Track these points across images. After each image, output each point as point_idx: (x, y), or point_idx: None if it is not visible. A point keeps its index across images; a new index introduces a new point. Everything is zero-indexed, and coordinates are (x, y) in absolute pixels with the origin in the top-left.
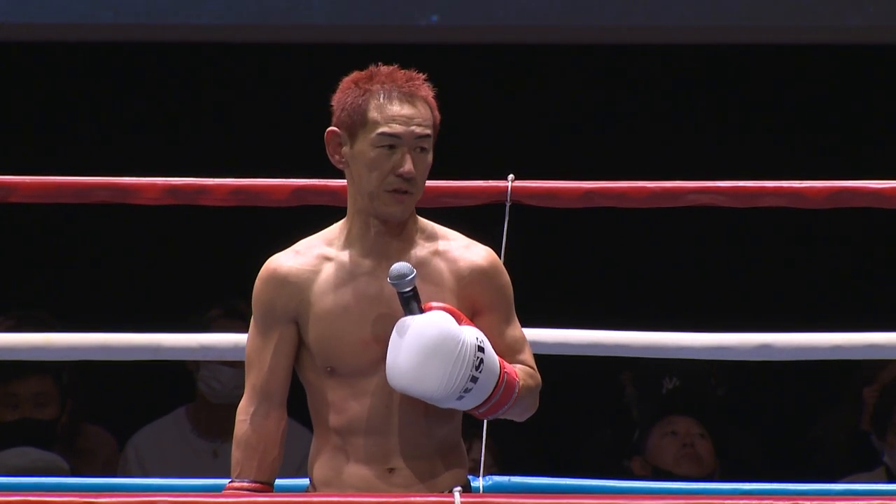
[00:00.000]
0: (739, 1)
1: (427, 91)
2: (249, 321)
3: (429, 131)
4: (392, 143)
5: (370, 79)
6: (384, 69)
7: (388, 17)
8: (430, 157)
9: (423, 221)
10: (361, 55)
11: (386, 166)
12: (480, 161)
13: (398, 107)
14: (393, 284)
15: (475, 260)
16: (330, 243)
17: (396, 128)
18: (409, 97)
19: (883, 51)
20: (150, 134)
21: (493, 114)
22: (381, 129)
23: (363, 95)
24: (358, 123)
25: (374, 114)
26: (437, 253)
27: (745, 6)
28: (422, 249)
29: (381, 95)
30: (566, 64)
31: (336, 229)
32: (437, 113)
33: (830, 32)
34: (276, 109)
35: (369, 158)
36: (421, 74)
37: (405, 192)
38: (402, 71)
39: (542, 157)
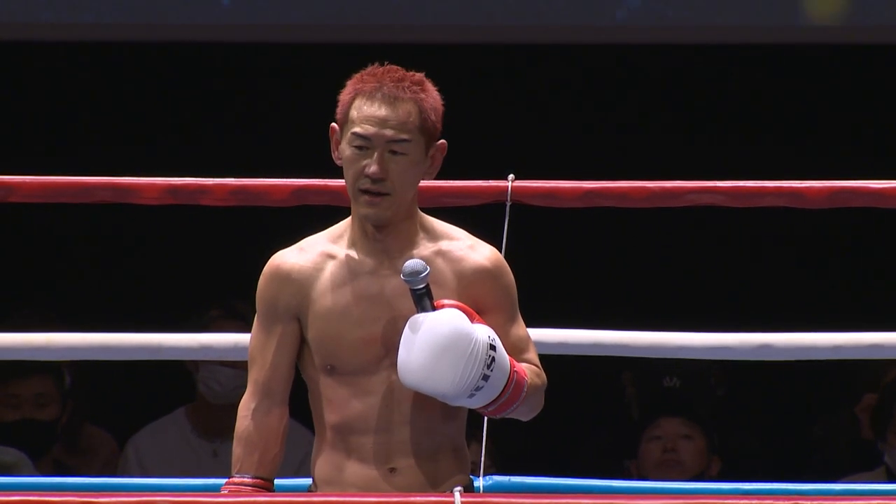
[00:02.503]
0: (738, 0)
1: (417, 94)
2: (249, 321)
3: (404, 136)
4: (363, 143)
5: (363, 77)
6: (381, 68)
7: (388, 17)
8: (409, 160)
9: (425, 219)
10: (362, 55)
11: (358, 166)
12: (480, 161)
13: (376, 108)
14: (406, 281)
15: (478, 260)
16: (334, 241)
17: (367, 128)
18: (392, 99)
19: (884, 51)
20: (150, 134)
21: (493, 114)
22: (354, 129)
23: (352, 93)
24: (343, 121)
25: (353, 112)
26: (439, 253)
27: (743, 6)
28: (424, 249)
29: (366, 94)
30: (566, 64)
31: (341, 227)
32: (428, 116)
33: (830, 32)
34: (275, 109)
35: (346, 156)
36: (418, 75)
37: (377, 194)
38: (399, 72)
39: (542, 157)
